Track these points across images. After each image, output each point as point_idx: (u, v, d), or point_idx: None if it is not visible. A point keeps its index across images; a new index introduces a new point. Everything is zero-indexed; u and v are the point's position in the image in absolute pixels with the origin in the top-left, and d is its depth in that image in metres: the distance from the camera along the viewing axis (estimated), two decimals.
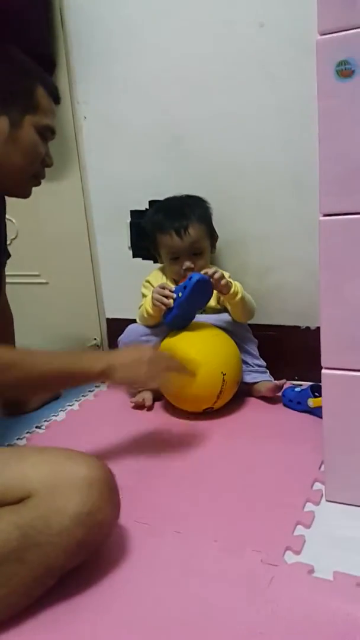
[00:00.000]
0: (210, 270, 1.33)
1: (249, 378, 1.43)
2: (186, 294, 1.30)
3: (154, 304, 1.37)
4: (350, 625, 0.70)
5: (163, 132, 1.53)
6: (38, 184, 1.19)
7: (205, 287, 1.32)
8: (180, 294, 1.31)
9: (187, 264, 1.41)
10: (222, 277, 1.34)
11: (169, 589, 0.79)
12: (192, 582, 0.80)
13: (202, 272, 1.33)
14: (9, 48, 1.10)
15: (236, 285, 1.38)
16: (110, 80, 1.56)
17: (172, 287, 1.38)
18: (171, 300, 1.33)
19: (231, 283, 1.37)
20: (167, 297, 1.34)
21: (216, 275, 1.32)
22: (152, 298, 1.38)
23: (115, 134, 1.60)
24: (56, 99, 1.17)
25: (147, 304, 1.41)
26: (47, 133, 1.13)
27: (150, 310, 1.40)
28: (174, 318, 1.34)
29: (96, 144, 1.64)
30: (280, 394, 1.39)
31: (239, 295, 1.38)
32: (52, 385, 1.15)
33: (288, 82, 1.34)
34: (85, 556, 0.78)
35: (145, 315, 1.43)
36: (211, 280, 1.32)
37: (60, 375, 1.03)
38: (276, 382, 1.40)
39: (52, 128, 1.15)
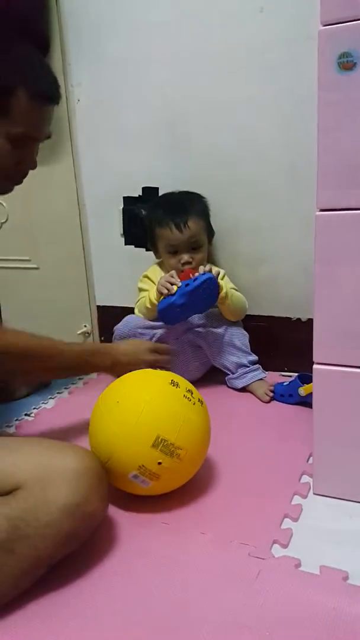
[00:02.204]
0: (214, 270, 1.34)
1: (244, 381, 1.42)
2: (194, 285, 1.29)
3: (158, 290, 1.36)
4: (336, 620, 0.70)
5: (158, 117, 1.51)
6: (18, 183, 1.11)
7: (213, 288, 1.32)
8: (187, 285, 1.30)
9: (186, 257, 1.41)
10: (222, 277, 1.38)
11: (157, 581, 0.79)
12: (180, 575, 0.80)
13: (207, 269, 1.33)
14: None
15: (223, 286, 1.37)
16: (105, 63, 1.53)
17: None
18: (175, 287, 1.32)
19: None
20: (172, 284, 1.33)
21: (221, 274, 1.37)
22: (158, 284, 1.36)
23: (109, 118, 1.57)
24: (48, 99, 1.02)
25: (152, 294, 1.40)
26: (24, 140, 1.01)
27: (155, 300, 1.39)
28: (170, 305, 1.32)
29: (89, 127, 1.61)
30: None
31: (227, 300, 1.39)
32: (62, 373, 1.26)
33: (286, 68, 1.32)
34: (74, 547, 0.78)
35: (148, 305, 1.42)
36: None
37: (70, 367, 1.19)
38: (270, 391, 1.38)
39: (32, 136, 1.02)
